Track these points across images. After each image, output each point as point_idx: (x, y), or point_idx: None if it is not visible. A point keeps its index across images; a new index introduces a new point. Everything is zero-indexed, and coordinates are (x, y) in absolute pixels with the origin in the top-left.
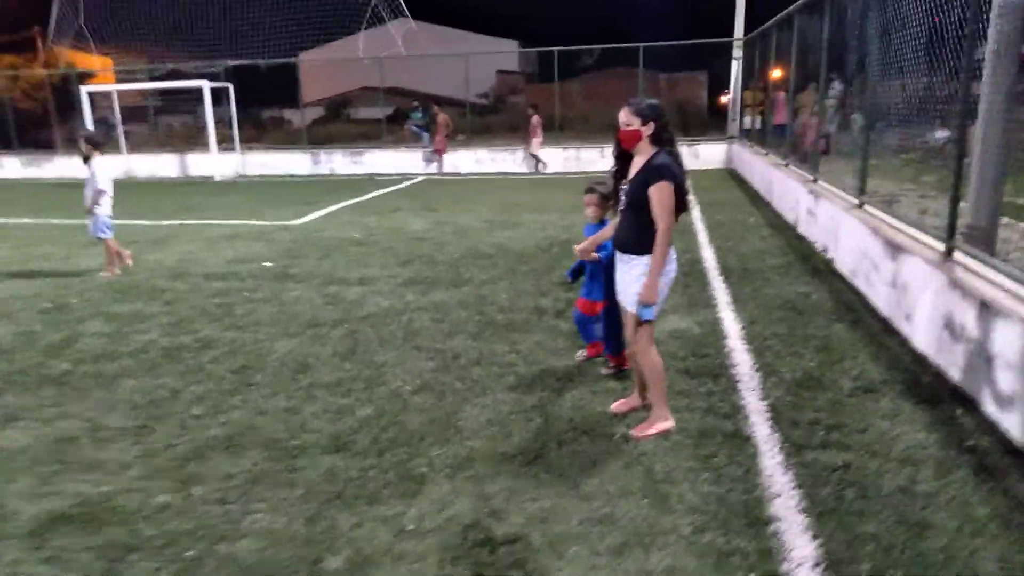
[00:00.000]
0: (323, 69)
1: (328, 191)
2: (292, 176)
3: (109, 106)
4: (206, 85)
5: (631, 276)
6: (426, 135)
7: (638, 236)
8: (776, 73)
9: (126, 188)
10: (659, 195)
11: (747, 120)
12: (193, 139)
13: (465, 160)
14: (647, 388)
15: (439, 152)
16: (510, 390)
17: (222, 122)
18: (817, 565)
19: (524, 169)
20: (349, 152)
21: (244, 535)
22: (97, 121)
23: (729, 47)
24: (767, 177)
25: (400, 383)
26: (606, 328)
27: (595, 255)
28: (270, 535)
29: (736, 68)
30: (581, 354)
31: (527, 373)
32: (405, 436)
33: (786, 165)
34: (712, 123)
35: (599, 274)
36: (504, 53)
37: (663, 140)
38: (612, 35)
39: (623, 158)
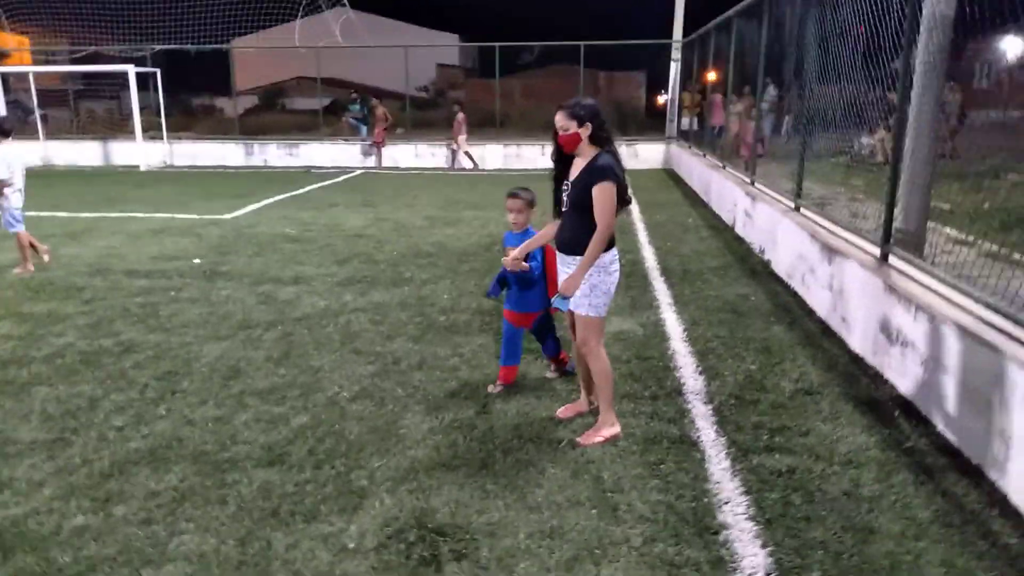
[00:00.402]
0: (257, 57)
1: (262, 184)
2: (224, 167)
3: (25, 88)
4: (131, 69)
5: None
6: (364, 128)
7: (582, 235)
8: (713, 76)
9: (43, 177)
10: (601, 195)
11: (685, 121)
12: (117, 126)
13: (404, 154)
14: (593, 392)
15: (377, 145)
16: (453, 396)
17: (148, 109)
18: (768, 575)
19: (463, 165)
20: (284, 144)
21: (171, 559)
22: (10, 103)
23: (668, 48)
24: (705, 178)
25: (338, 389)
26: (541, 332)
27: (525, 265)
28: (200, 558)
29: (674, 69)
30: (496, 387)
31: (470, 378)
32: (344, 447)
33: (723, 167)
34: (650, 123)
35: (532, 284)
36: (444, 47)
37: (602, 139)
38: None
39: (563, 160)
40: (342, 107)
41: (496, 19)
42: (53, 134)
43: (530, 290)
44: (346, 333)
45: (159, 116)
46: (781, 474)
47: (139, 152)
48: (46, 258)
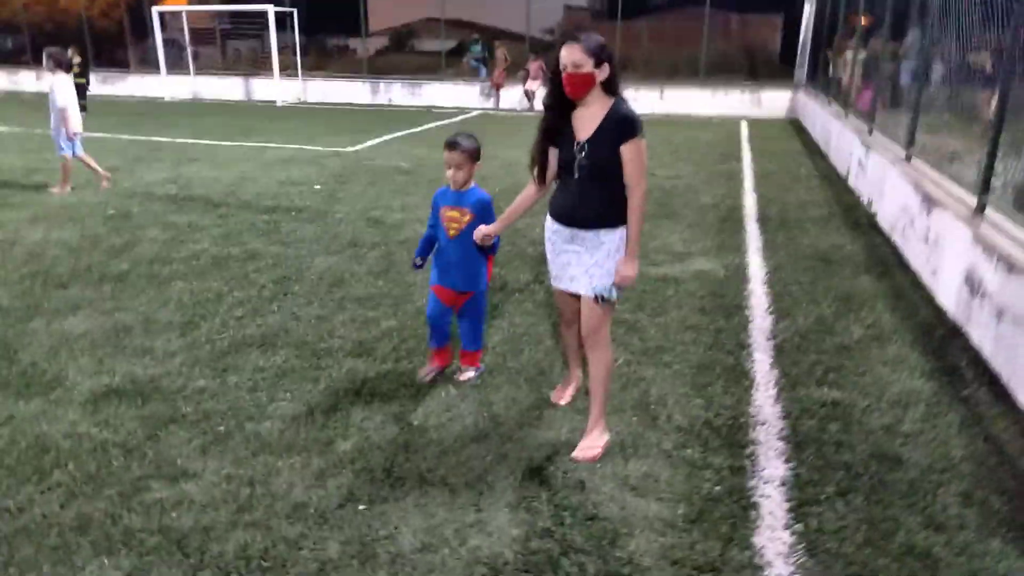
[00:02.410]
0: None
1: (384, 121)
2: (351, 105)
3: (179, 27)
4: (271, 9)
5: (598, 255)
6: (484, 69)
7: (604, 206)
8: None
9: (192, 108)
10: (637, 154)
11: (816, 68)
12: (258, 64)
13: (517, 99)
14: (592, 393)
15: (496, 87)
16: (527, 315)
17: (286, 48)
18: (783, 484)
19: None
20: (408, 84)
21: (269, 417)
22: (167, 42)
23: None
24: (827, 128)
25: (425, 302)
26: (474, 319)
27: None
28: (292, 419)
29: (808, 11)
30: (428, 371)
31: (549, 303)
32: (422, 348)
33: (846, 115)
34: (782, 71)
35: (478, 259)
36: None
37: (615, 86)
38: None
39: (559, 110)
40: (465, 48)
41: None
42: (202, 70)
43: (473, 264)
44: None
45: (295, 55)
46: (824, 405)
47: (276, 89)
48: (104, 184)
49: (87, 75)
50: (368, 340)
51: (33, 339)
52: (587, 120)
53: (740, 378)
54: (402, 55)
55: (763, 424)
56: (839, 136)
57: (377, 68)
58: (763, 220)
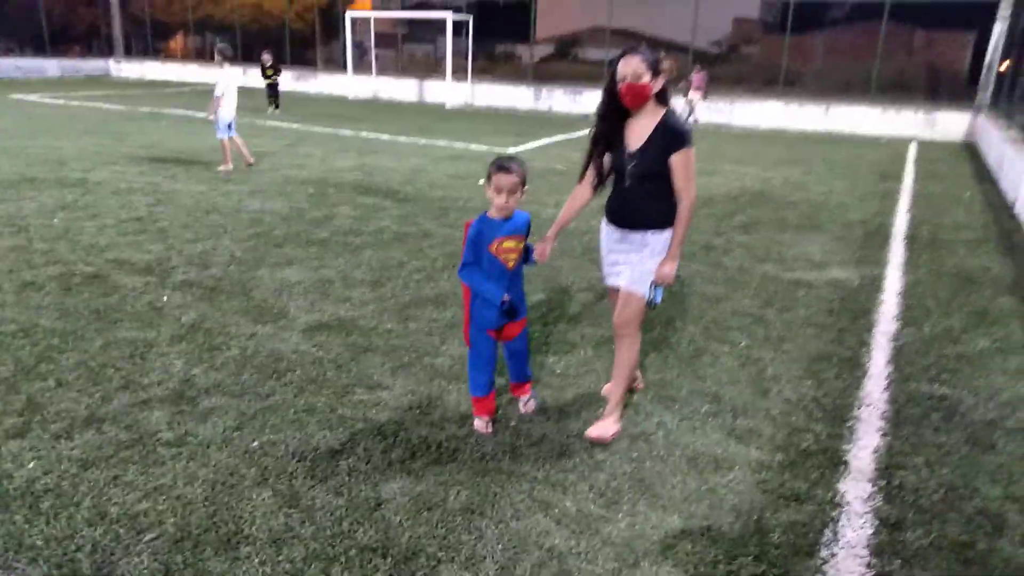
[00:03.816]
0: (556, 7)
1: (544, 125)
2: (514, 109)
3: (366, 30)
4: (449, 16)
5: (643, 254)
6: None
7: (652, 210)
8: None
9: (373, 107)
10: (686, 163)
11: (1004, 89)
12: (431, 67)
13: (680, 108)
14: (615, 379)
15: None
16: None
17: (458, 53)
18: (876, 452)
19: (731, 121)
20: (569, 91)
21: (441, 355)
22: (355, 44)
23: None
24: (1000, 152)
25: (570, 282)
26: (527, 345)
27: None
28: (459, 358)
29: (998, 30)
30: (488, 425)
31: (685, 293)
32: (566, 317)
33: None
34: (968, 92)
35: (521, 278)
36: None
37: (667, 98)
38: None
39: (613, 120)
40: None
41: None
42: (382, 71)
43: (519, 288)
44: (586, 247)
45: (466, 60)
46: (932, 398)
47: (446, 91)
48: (251, 160)
49: (278, 75)
50: None
51: (261, 283)
52: (639, 130)
53: (854, 369)
54: (566, 63)
55: (868, 406)
56: (1011, 162)
57: (541, 75)
58: (911, 239)
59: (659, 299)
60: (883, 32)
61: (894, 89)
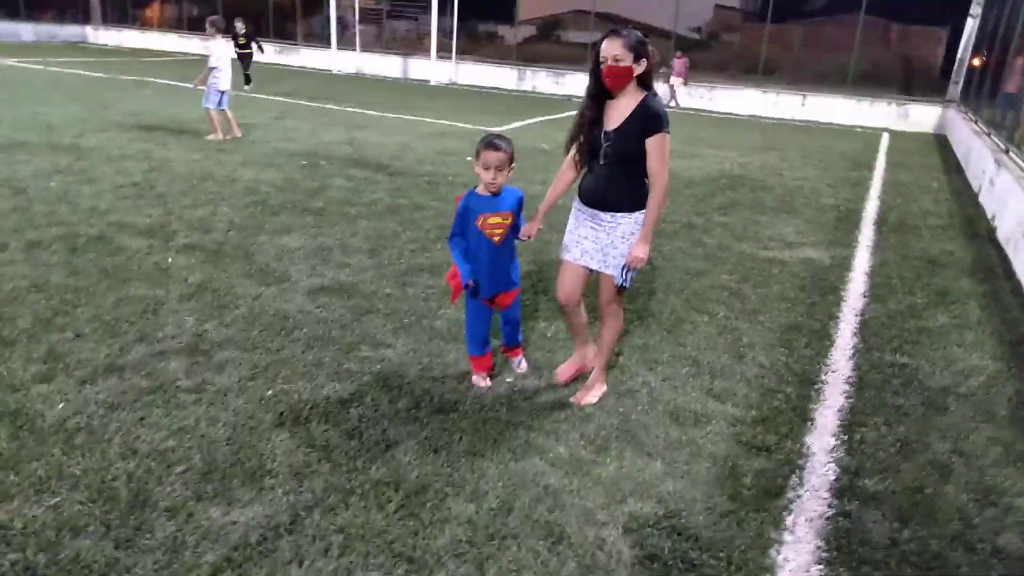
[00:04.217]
0: None
1: (528, 106)
2: (498, 89)
3: (350, 5)
4: None
5: (615, 236)
6: None
7: (626, 191)
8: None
9: (357, 82)
10: (660, 147)
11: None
12: (415, 45)
13: (662, 92)
14: (599, 350)
15: None
16: (646, 296)
17: (442, 31)
18: (840, 411)
19: (711, 107)
20: (552, 72)
21: (438, 318)
22: (338, 19)
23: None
24: (967, 144)
25: (558, 255)
26: (517, 312)
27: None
28: (455, 321)
29: (970, 26)
30: (484, 381)
31: (667, 268)
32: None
33: (988, 134)
34: (940, 86)
35: (515, 254)
36: None
37: (649, 82)
38: None
39: (597, 100)
40: None
41: None
42: (366, 47)
43: (514, 261)
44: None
45: (450, 39)
46: (893, 366)
47: (431, 69)
48: (238, 133)
49: (250, 46)
50: None
51: (261, 248)
52: (618, 111)
53: (823, 339)
54: (549, 44)
55: (834, 372)
56: (978, 153)
57: (524, 55)
58: (880, 223)
59: (628, 283)
60: (860, 24)
61: (869, 81)
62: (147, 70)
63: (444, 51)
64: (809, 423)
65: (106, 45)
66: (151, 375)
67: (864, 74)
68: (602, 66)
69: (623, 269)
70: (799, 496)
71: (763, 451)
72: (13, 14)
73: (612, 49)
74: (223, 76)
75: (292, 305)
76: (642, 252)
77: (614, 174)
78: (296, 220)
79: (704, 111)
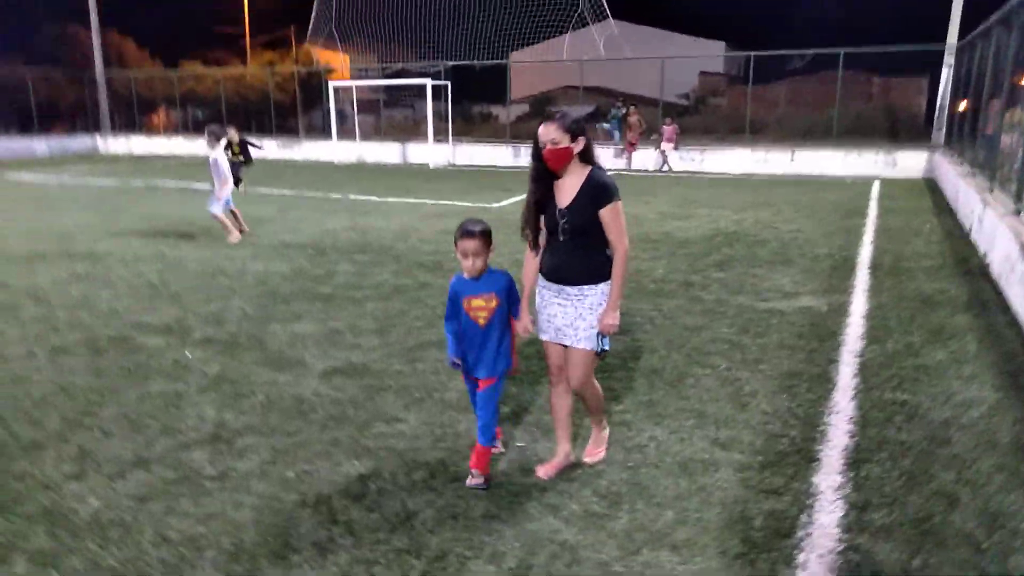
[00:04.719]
0: (530, 68)
1: (524, 181)
2: (495, 167)
3: (348, 99)
4: (428, 83)
5: (582, 308)
6: (617, 133)
7: (588, 264)
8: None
9: (358, 170)
10: (614, 216)
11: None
12: (411, 130)
13: (654, 159)
14: (590, 414)
15: (629, 149)
16: (644, 350)
17: (438, 116)
18: (845, 449)
19: (703, 169)
20: None
21: (448, 390)
22: (338, 112)
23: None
24: (955, 186)
25: None
26: (492, 406)
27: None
28: (466, 393)
29: (947, 75)
30: (480, 480)
31: (667, 325)
32: None
33: (973, 175)
34: (926, 132)
35: (506, 342)
36: (701, 57)
37: (591, 156)
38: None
39: (544, 181)
40: (603, 114)
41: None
42: (365, 136)
43: (503, 349)
44: None
45: (446, 122)
46: (895, 403)
47: (429, 152)
48: (246, 228)
49: (246, 153)
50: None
51: (274, 336)
52: (567, 188)
53: (824, 383)
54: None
55: (837, 413)
56: (965, 194)
57: (518, 133)
58: (875, 268)
59: (607, 346)
60: (840, 79)
61: (855, 132)
62: (155, 173)
63: (441, 134)
64: (815, 463)
65: (116, 153)
66: (176, 466)
67: (850, 126)
68: (542, 150)
69: (598, 336)
70: (809, 534)
71: (772, 493)
72: (27, 129)
73: (549, 133)
74: (227, 184)
75: (307, 389)
76: (611, 319)
77: (574, 248)
78: (306, 307)
79: (697, 173)
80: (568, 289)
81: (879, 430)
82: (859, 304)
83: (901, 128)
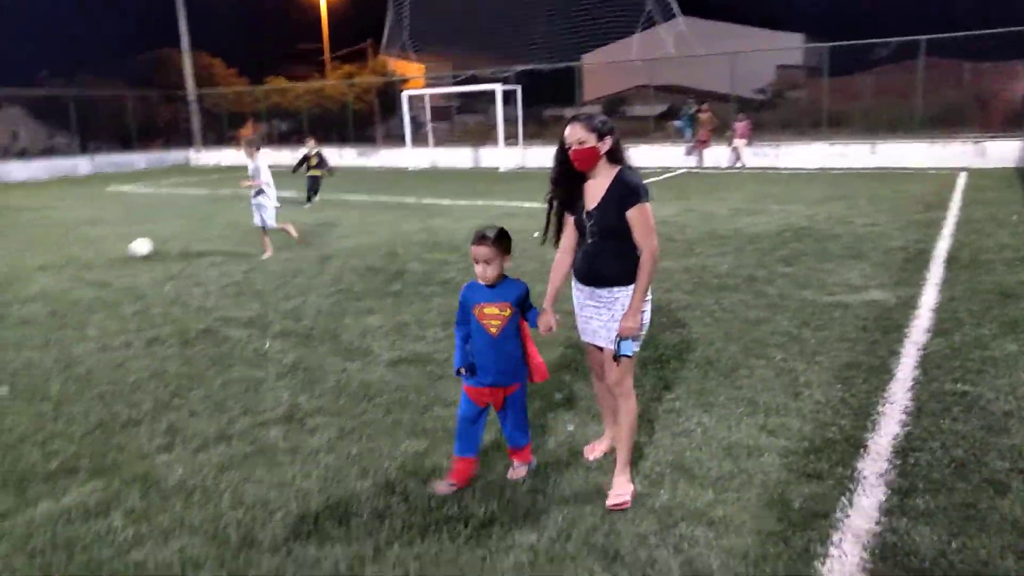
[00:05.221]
0: (601, 70)
1: None
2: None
3: (422, 106)
4: (499, 88)
5: (615, 310)
6: (689, 131)
7: (618, 266)
8: None
9: (432, 176)
10: (642, 218)
11: None
12: (484, 135)
13: (727, 156)
14: (619, 440)
15: (700, 147)
16: (700, 344)
17: (509, 120)
18: (895, 438)
19: (777, 164)
20: None
21: None
22: (412, 119)
23: None
24: None
25: None
26: (520, 412)
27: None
28: None
29: None
30: (444, 486)
31: (727, 318)
32: None
33: None
34: (1021, 120)
35: (520, 350)
36: (773, 51)
37: (619, 156)
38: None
39: (568, 182)
40: (676, 112)
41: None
42: (438, 142)
43: (519, 357)
44: None
45: (517, 126)
46: (954, 395)
47: (499, 156)
48: (296, 235)
49: (323, 164)
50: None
51: (347, 329)
52: (595, 190)
53: (882, 374)
54: (613, 121)
55: (892, 403)
56: None
57: None
58: (951, 261)
59: (628, 351)
60: (921, 67)
61: (944, 122)
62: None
63: (512, 138)
64: (862, 450)
65: (206, 165)
66: (254, 441)
67: (938, 115)
68: (569, 151)
69: (617, 339)
70: (847, 516)
71: (814, 477)
72: (127, 145)
73: (575, 134)
74: (272, 192)
75: (374, 375)
76: (631, 323)
77: (603, 250)
78: (377, 303)
79: (771, 168)
80: (599, 291)
81: (934, 420)
82: (929, 297)
83: (992, 116)
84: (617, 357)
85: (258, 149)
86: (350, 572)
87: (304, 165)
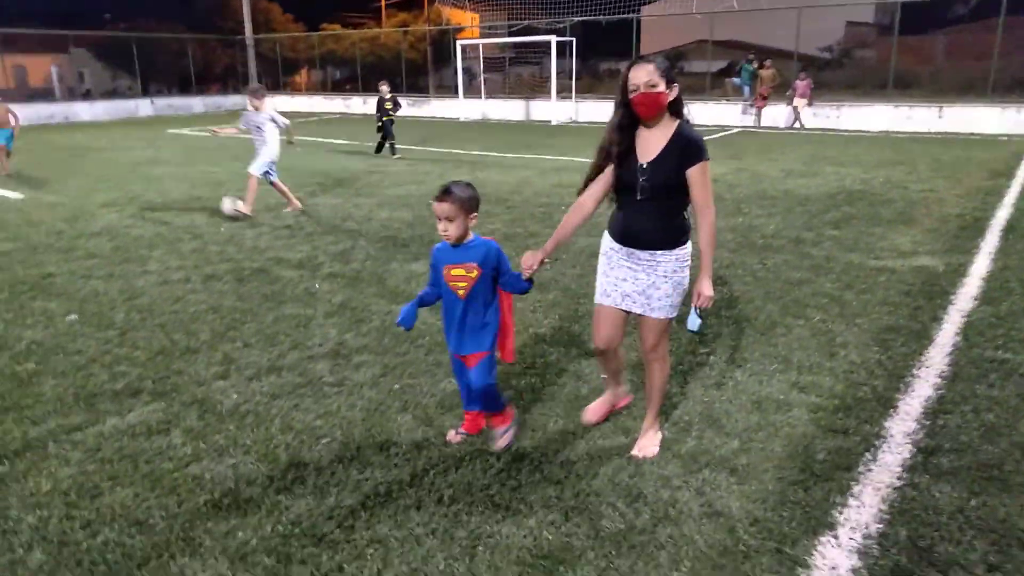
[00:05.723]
0: (659, 23)
1: None
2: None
3: (475, 56)
4: (553, 39)
5: (655, 276)
6: (747, 88)
7: (666, 227)
8: None
9: (483, 127)
10: (704, 177)
11: None
12: (537, 87)
13: (785, 115)
14: (650, 398)
15: (759, 104)
16: (743, 302)
17: (563, 73)
18: (926, 400)
19: (838, 126)
20: None
21: (543, 327)
22: (465, 70)
23: None
24: None
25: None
26: (487, 379)
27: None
28: (558, 328)
29: None
30: (456, 434)
31: (769, 278)
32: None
33: None
34: None
35: (492, 317)
36: (842, 5)
37: (681, 109)
38: None
39: (627, 132)
40: (735, 68)
41: None
42: (490, 94)
43: (488, 324)
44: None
45: (571, 79)
46: (994, 362)
47: (552, 109)
48: (298, 206)
49: (395, 110)
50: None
51: (393, 274)
52: (652, 142)
53: (921, 339)
54: None
55: (928, 367)
56: None
57: None
58: (1008, 230)
59: (696, 327)
60: (1001, 27)
61: (1019, 86)
62: (295, 130)
63: (565, 91)
64: (892, 411)
65: None
66: (303, 374)
67: (1013, 79)
68: (633, 95)
69: (695, 310)
70: (870, 470)
71: (840, 433)
72: (186, 89)
73: (644, 75)
74: (272, 143)
75: (418, 317)
76: (709, 289)
77: (652, 210)
78: (423, 250)
79: (831, 130)
80: (639, 253)
81: (969, 384)
82: (981, 266)
83: None
84: (698, 331)
85: (260, 98)
86: (388, 494)
87: (381, 111)
